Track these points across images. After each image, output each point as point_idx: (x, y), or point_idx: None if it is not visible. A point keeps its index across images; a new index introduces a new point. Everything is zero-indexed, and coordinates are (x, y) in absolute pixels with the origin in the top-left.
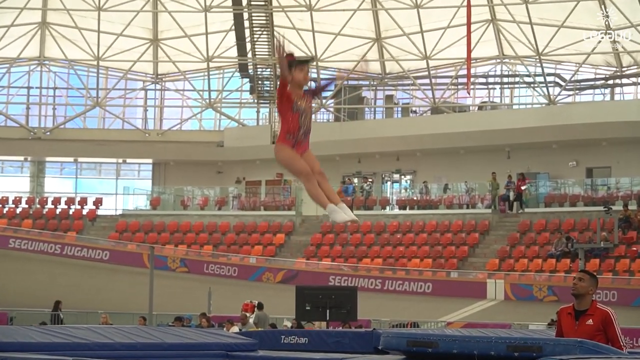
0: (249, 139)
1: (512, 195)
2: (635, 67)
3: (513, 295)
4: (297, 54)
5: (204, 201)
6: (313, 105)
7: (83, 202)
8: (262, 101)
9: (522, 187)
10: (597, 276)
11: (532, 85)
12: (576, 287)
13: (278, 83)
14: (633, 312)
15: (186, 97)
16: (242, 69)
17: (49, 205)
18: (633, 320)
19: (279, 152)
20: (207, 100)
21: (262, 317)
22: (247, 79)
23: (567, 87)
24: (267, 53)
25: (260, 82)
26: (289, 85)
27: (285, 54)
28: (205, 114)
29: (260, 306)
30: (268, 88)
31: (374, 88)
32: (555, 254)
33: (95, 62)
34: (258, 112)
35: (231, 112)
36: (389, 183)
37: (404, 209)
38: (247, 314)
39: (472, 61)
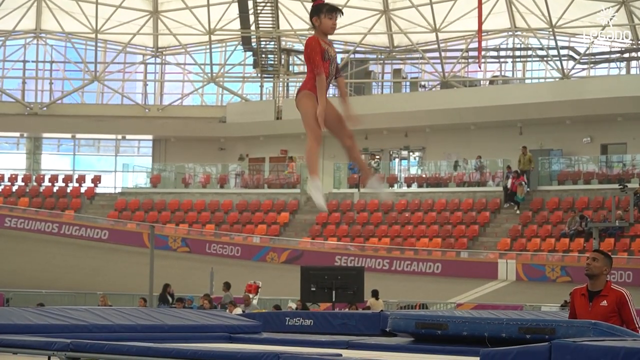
0: (252, 114)
1: (509, 182)
2: None
3: (525, 276)
4: (302, 25)
5: (206, 179)
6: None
7: (81, 179)
8: (265, 75)
9: (518, 183)
10: (612, 256)
11: (545, 58)
12: (590, 267)
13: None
14: None
15: (187, 71)
16: (245, 42)
17: (46, 183)
18: None
19: (302, 99)
20: (209, 75)
21: (227, 298)
22: (250, 53)
23: (581, 61)
24: (270, 25)
25: (263, 55)
26: (316, 33)
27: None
28: (207, 89)
29: (227, 286)
30: (272, 62)
31: (382, 62)
32: (568, 233)
33: (93, 35)
34: (262, 86)
35: (234, 87)
36: (397, 160)
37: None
38: (251, 295)
39: (483, 34)
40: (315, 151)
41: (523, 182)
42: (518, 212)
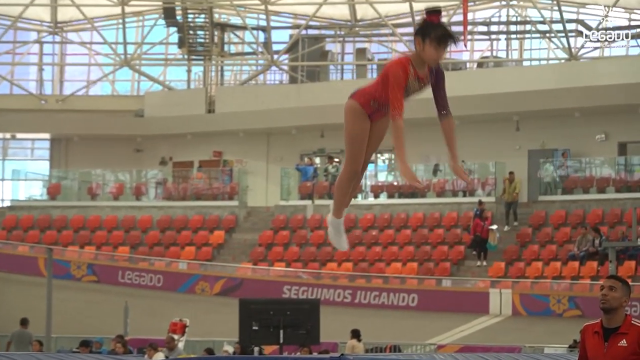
0: (178, 106)
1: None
2: None
3: (524, 310)
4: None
5: (119, 189)
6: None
7: None
8: (194, 57)
9: (489, 228)
10: (632, 284)
11: (547, 35)
12: (606, 298)
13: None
14: None
15: (95, 52)
16: (168, 15)
17: None
18: None
19: (350, 114)
20: (122, 57)
21: (21, 336)
22: (175, 28)
23: (592, 38)
24: None
25: (191, 32)
26: (412, 55)
27: (425, 11)
28: (120, 75)
29: (23, 322)
30: (202, 40)
31: (341, 39)
32: (578, 254)
33: None
34: (189, 71)
35: (154, 72)
36: None
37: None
38: (176, 337)
39: (470, 4)
40: (343, 185)
41: (495, 227)
42: (484, 264)
